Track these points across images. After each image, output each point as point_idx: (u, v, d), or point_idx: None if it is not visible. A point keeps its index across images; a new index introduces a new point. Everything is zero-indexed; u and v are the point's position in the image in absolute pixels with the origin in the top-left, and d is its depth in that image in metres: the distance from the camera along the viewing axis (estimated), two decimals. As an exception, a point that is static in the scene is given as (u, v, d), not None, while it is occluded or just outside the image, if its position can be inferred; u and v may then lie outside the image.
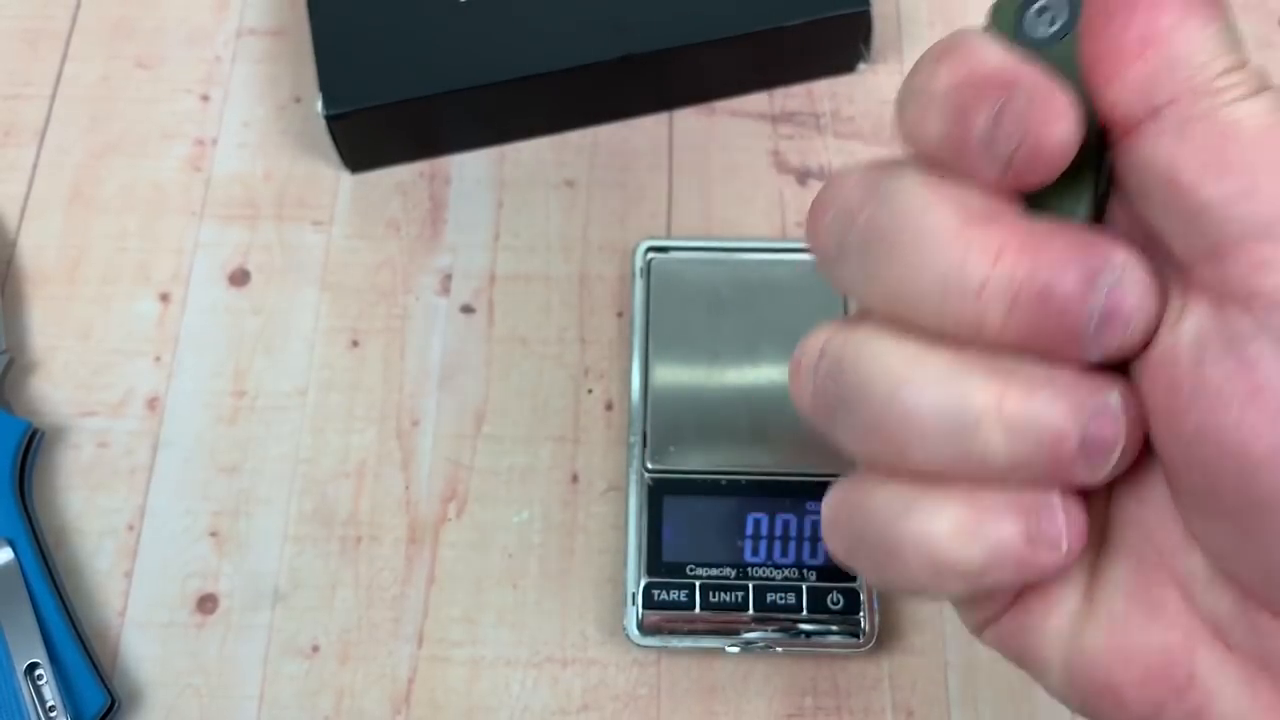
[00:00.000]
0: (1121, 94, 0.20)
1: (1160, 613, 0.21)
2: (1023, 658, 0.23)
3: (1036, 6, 0.22)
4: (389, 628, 0.37)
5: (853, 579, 0.35)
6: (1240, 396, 0.19)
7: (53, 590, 0.36)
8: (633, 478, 0.37)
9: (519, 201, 0.43)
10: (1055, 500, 0.21)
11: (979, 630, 0.24)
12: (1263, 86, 0.20)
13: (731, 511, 0.36)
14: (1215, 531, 0.20)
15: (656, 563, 0.36)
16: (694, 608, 0.35)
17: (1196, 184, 0.19)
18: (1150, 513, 0.22)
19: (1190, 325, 0.20)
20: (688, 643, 0.35)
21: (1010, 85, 0.20)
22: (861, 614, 0.35)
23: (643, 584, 0.36)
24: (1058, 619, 0.22)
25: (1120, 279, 0.20)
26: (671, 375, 0.38)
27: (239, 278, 0.42)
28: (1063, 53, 0.21)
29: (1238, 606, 0.20)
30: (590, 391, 0.40)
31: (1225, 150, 0.19)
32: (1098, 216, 0.22)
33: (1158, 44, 0.20)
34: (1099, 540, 0.22)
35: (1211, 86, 0.20)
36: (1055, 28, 0.22)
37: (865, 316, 0.22)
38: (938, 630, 0.36)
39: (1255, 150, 0.19)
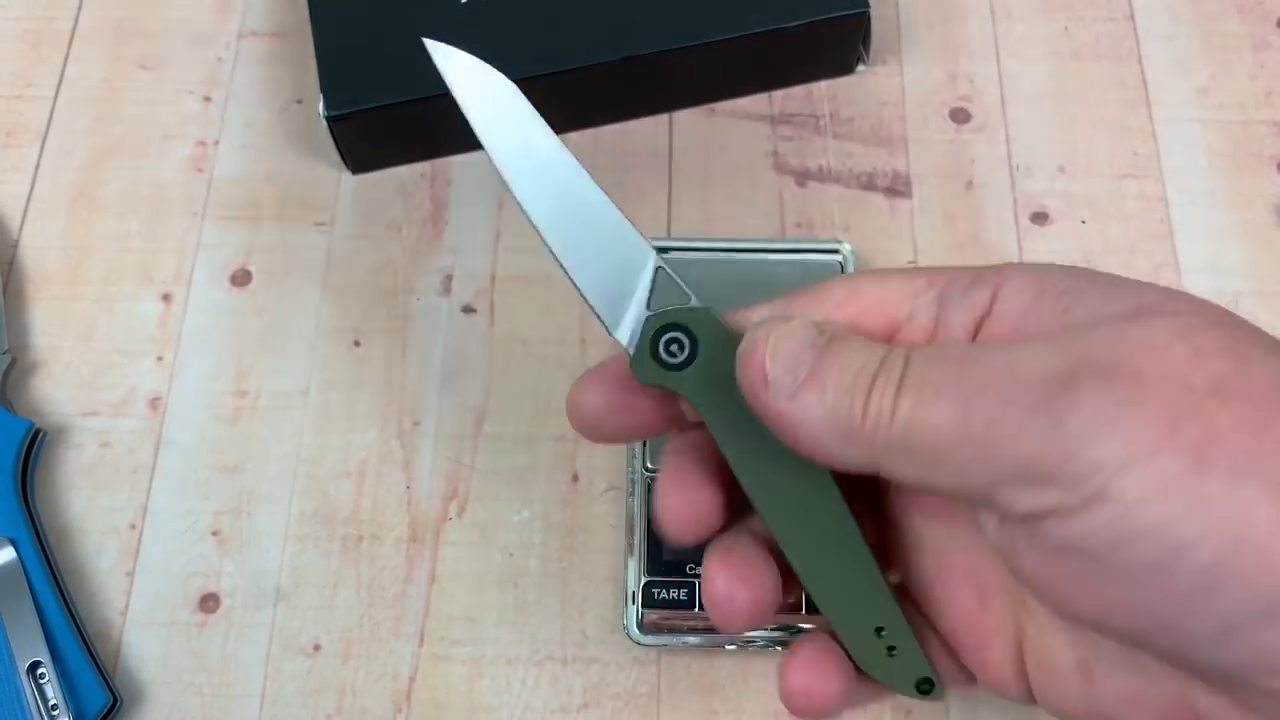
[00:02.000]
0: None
1: (1151, 677, 0.24)
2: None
3: (665, 340, 0.27)
4: (390, 626, 0.37)
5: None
6: (1056, 582, 0.23)
7: (55, 589, 0.36)
8: (633, 478, 0.37)
9: (520, 202, 0.43)
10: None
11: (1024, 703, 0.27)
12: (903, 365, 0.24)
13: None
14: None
15: (656, 562, 0.36)
16: (694, 607, 0.35)
17: (927, 484, 0.24)
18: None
19: (1038, 557, 0.23)
20: (687, 641, 0.35)
21: None
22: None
23: (642, 583, 0.36)
24: (1070, 694, 0.26)
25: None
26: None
27: (241, 278, 0.42)
28: (696, 375, 0.26)
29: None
30: (590, 391, 0.40)
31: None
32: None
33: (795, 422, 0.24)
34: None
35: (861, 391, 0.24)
36: (680, 358, 0.27)
37: None
38: (937, 629, 0.36)
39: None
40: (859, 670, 0.27)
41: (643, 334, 0.27)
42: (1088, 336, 0.22)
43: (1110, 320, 0.23)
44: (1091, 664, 0.25)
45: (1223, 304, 0.40)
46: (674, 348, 0.26)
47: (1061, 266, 0.25)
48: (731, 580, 0.26)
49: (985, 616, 0.26)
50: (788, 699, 0.27)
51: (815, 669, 0.26)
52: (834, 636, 0.27)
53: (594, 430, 0.28)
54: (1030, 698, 0.27)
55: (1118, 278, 0.24)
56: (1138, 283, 0.24)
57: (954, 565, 0.27)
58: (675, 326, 0.27)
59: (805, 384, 0.24)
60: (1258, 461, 0.20)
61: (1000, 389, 0.22)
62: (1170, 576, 0.21)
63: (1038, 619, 0.26)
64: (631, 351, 0.27)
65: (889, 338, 0.26)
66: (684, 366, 0.26)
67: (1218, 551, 0.20)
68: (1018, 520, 0.22)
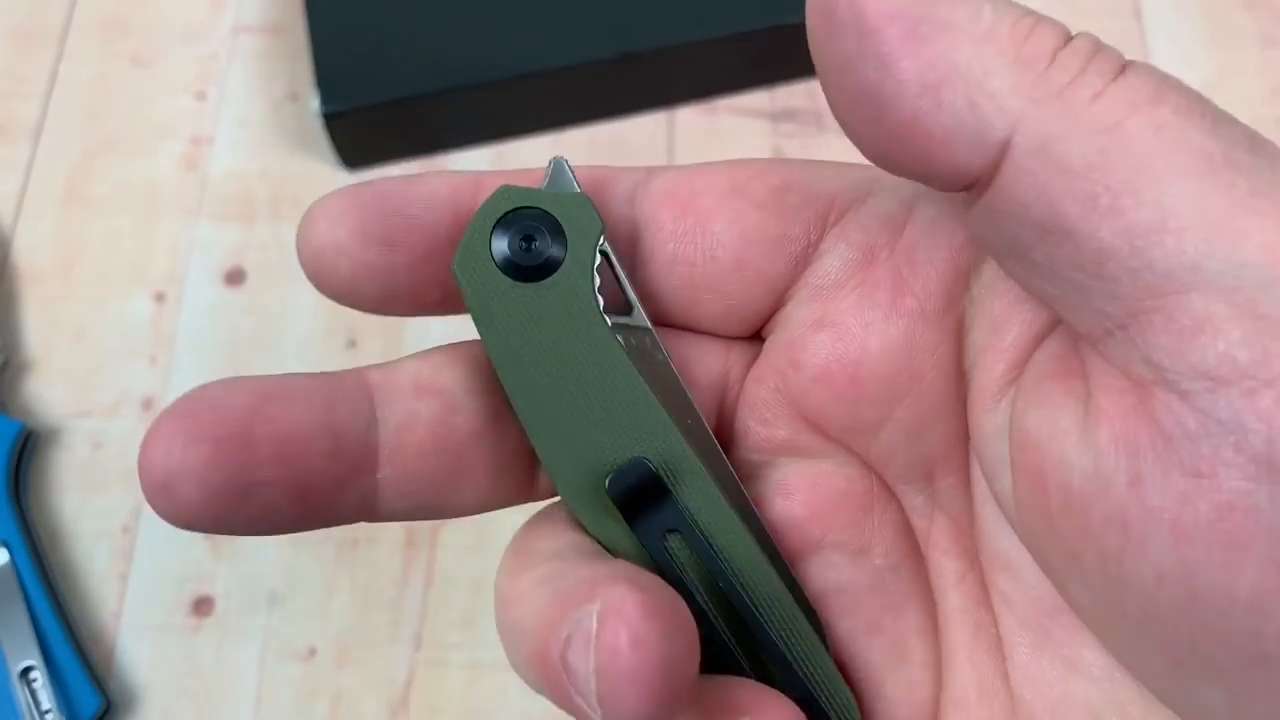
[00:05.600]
0: (946, 156, 0.15)
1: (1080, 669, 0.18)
2: None
3: (513, 237, 0.18)
4: (386, 631, 0.36)
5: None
6: (1206, 525, 0.14)
7: (48, 592, 0.36)
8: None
9: (517, 200, 0.43)
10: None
11: None
12: (1120, 62, 0.15)
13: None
14: (1202, 692, 0.16)
15: (656, 565, 0.35)
16: (694, 610, 0.35)
17: (1087, 227, 0.14)
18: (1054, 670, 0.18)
19: (1112, 430, 0.15)
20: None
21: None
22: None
23: (642, 586, 0.35)
24: None
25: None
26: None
27: (235, 277, 0.41)
28: (564, 283, 0.18)
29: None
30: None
31: (1114, 170, 0.14)
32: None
33: (944, 61, 0.15)
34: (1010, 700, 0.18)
35: (1055, 84, 0.14)
36: (542, 256, 0.18)
37: None
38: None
39: (1153, 161, 0.14)
40: None
41: (486, 211, 0.18)
42: None
43: None
44: None
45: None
46: (527, 244, 0.18)
47: None
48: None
49: (910, 698, 0.19)
50: None
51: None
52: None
53: (325, 274, 0.18)
54: None
55: None
56: None
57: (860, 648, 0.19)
58: (532, 217, 0.18)
59: (952, 12, 0.15)
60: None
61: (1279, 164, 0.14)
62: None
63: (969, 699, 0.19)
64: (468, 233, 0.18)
65: None
66: (537, 276, 0.18)
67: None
68: (1187, 375, 0.14)
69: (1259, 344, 0.13)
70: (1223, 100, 0.43)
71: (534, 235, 0.18)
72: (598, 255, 0.18)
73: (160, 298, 0.41)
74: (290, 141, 0.44)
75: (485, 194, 0.18)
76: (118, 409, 0.39)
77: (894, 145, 0.15)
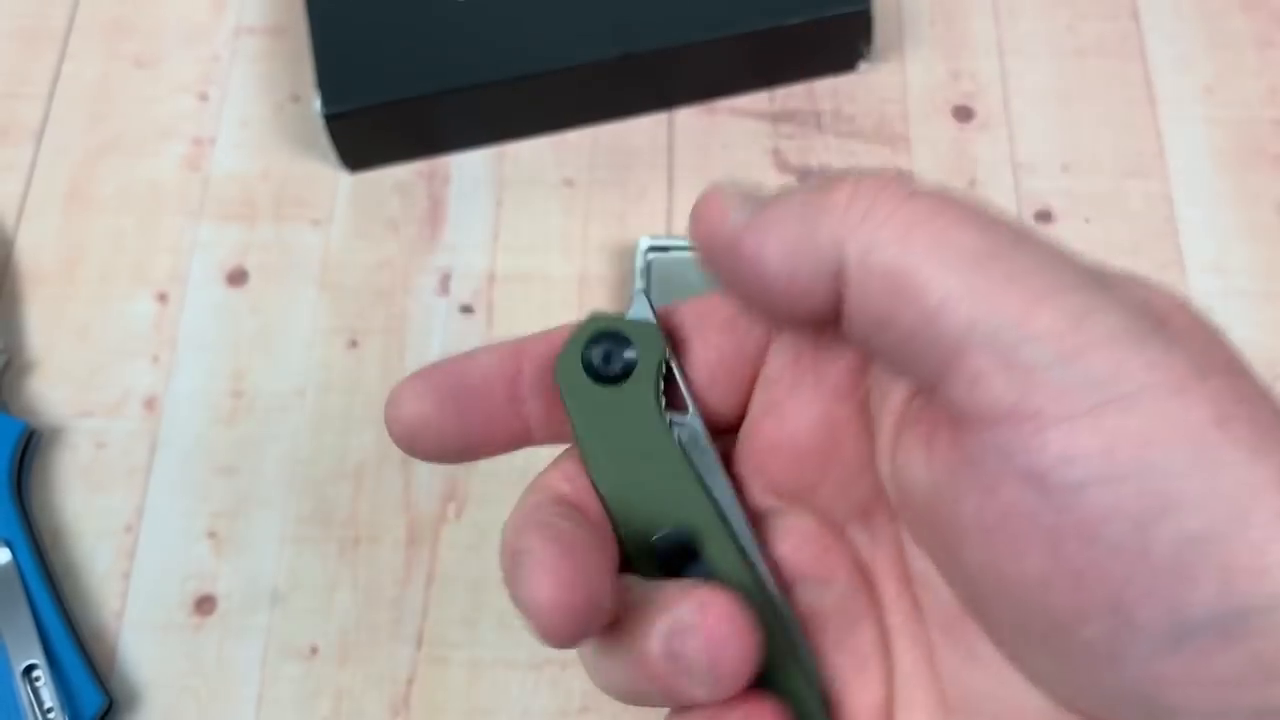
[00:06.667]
0: (801, 300, 0.20)
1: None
2: None
3: (598, 351, 0.24)
4: (388, 629, 0.36)
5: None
6: (994, 527, 0.18)
7: (50, 591, 0.36)
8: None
9: (518, 201, 0.43)
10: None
11: None
12: (908, 189, 0.19)
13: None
14: (1035, 661, 0.20)
15: (656, 564, 0.36)
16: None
17: (898, 314, 0.19)
18: (979, 677, 0.21)
19: (940, 461, 0.19)
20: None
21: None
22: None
23: (643, 585, 0.36)
24: None
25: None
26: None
27: (237, 277, 0.42)
28: (635, 388, 0.23)
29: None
30: (590, 392, 0.39)
31: (908, 269, 0.19)
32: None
33: (779, 239, 0.20)
34: (945, 705, 0.22)
35: (859, 217, 0.19)
36: (620, 366, 0.23)
37: None
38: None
39: (934, 259, 0.19)
40: None
41: (580, 331, 0.24)
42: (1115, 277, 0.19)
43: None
44: None
45: (1227, 307, 0.39)
46: (608, 356, 0.23)
47: None
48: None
49: (865, 699, 0.22)
50: None
51: None
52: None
53: (418, 440, 0.23)
54: None
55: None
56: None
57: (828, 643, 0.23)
58: (613, 337, 0.23)
59: (770, 203, 0.20)
60: (1276, 443, 0.17)
61: (1036, 250, 0.19)
62: (1147, 539, 0.17)
63: (914, 700, 0.22)
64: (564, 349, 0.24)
65: None
66: (616, 381, 0.23)
67: (1213, 523, 0.17)
68: (969, 421, 0.19)
69: (1017, 388, 0.18)
70: (1221, 101, 0.44)
71: (613, 351, 0.24)
72: (662, 368, 0.23)
73: (162, 298, 0.41)
74: (292, 142, 0.44)
75: (526, 361, 0.24)
76: (120, 409, 0.40)
77: (767, 299, 0.21)
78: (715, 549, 0.23)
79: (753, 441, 0.24)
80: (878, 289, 0.19)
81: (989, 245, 0.19)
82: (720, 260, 0.21)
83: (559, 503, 0.23)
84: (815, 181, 0.20)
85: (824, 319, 0.20)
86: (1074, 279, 0.18)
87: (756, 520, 0.24)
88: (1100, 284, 0.19)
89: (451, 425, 0.23)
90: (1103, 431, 0.17)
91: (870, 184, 0.19)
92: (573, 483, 0.24)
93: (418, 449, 0.23)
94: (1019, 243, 0.19)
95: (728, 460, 0.24)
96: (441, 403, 0.23)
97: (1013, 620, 0.19)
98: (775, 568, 0.23)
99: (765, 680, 0.21)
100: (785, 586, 0.23)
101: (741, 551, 0.23)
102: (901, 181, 0.20)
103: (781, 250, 0.20)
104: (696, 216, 0.21)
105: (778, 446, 0.23)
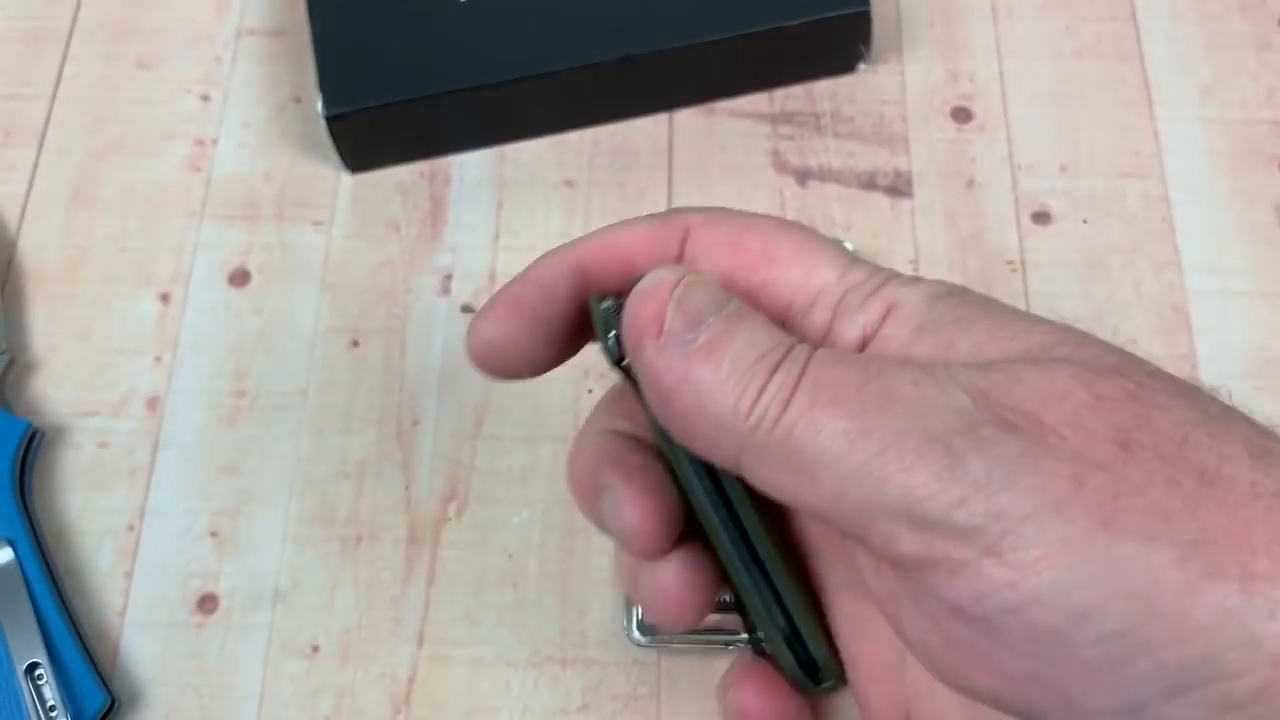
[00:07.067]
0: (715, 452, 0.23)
1: None
2: None
3: (611, 336, 0.25)
4: (389, 628, 0.37)
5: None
6: (942, 650, 0.21)
7: (53, 590, 0.36)
8: (633, 478, 0.37)
9: (519, 201, 0.43)
10: None
11: None
12: (797, 375, 0.21)
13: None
14: None
15: (656, 563, 0.36)
16: (694, 608, 0.35)
17: (811, 503, 0.21)
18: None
19: (887, 588, 0.22)
20: (688, 643, 0.35)
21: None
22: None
23: (643, 584, 0.36)
24: None
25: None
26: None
27: (239, 278, 0.42)
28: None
29: None
30: (590, 391, 0.40)
31: (802, 465, 0.21)
32: None
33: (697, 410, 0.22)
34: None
35: (750, 426, 0.21)
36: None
37: None
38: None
39: (818, 452, 0.21)
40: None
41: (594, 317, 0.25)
42: (988, 376, 0.21)
43: (1004, 362, 0.21)
44: None
45: (1225, 307, 0.39)
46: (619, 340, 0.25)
47: (953, 291, 0.24)
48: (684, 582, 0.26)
49: (875, 660, 0.25)
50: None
51: (766, 689, 0.26)
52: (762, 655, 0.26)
53: (499, 359, 0.26)
54: None
55: (1006, 311, 0.23)
56: (1027, 318, 0.23)
57: (842, 603, 0.26)
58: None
59: (704, 349, 0.22)
60: (1168, 522, 0.19)
61: (901, 412, 0.20)
62: (1072, 647, 0.19)
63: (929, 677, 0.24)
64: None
65: (782, 321, 0.24)
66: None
67: (1126, 619, 0.18)
68: (898, 567, 0.21)
69: (922, 543, 0.20)
70: (1219, 103, 0.44)
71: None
72: None
73: (165, 298, 0.41)
74: (294, 143, 0.44)
75: (582, 260, 0.25)
76: (123, 408, 0.40)
77: (675, 432, 0.23)
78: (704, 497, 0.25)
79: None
80: (781, 482, 0.22)
81: (860, 426, 0.20)
82: (641, 374, 0.23)
83: (623, 438, 0.26)
84: (745, 354, 0.22)
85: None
86: (940, 423, 0.20)
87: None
88: (963, 423, 0.20)
89: (526, 337, 0.25)
90: (1005, 566, 0.19)
91: (756, 383, 0.21)
92: (631, 419, 0.26)
93: (505, 369, 0.26)
94: (887, 397, 0.21)
95: None
96: (516, 319, 0.25)
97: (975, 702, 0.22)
98: (785, 531, 0.26)
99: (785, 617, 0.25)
100: (799, 551, 0.26)
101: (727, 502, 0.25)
102: (790, 366, 0.21)
103: (694, 413, 0.22)
104: (630, 312, 0.23)
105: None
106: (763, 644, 0.26)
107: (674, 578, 0.25)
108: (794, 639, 0.25)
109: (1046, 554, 0.19)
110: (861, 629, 0.25)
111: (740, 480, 0.23)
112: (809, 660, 0.25)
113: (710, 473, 0.25)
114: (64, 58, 0.46)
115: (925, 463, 0.20)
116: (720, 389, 0.21)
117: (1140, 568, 0.18)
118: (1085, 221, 0.42)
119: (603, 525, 0.26)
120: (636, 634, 0.35)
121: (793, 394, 0.21)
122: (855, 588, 0.25)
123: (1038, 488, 0.19)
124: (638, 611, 0.35)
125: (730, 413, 0.21)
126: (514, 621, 0.37)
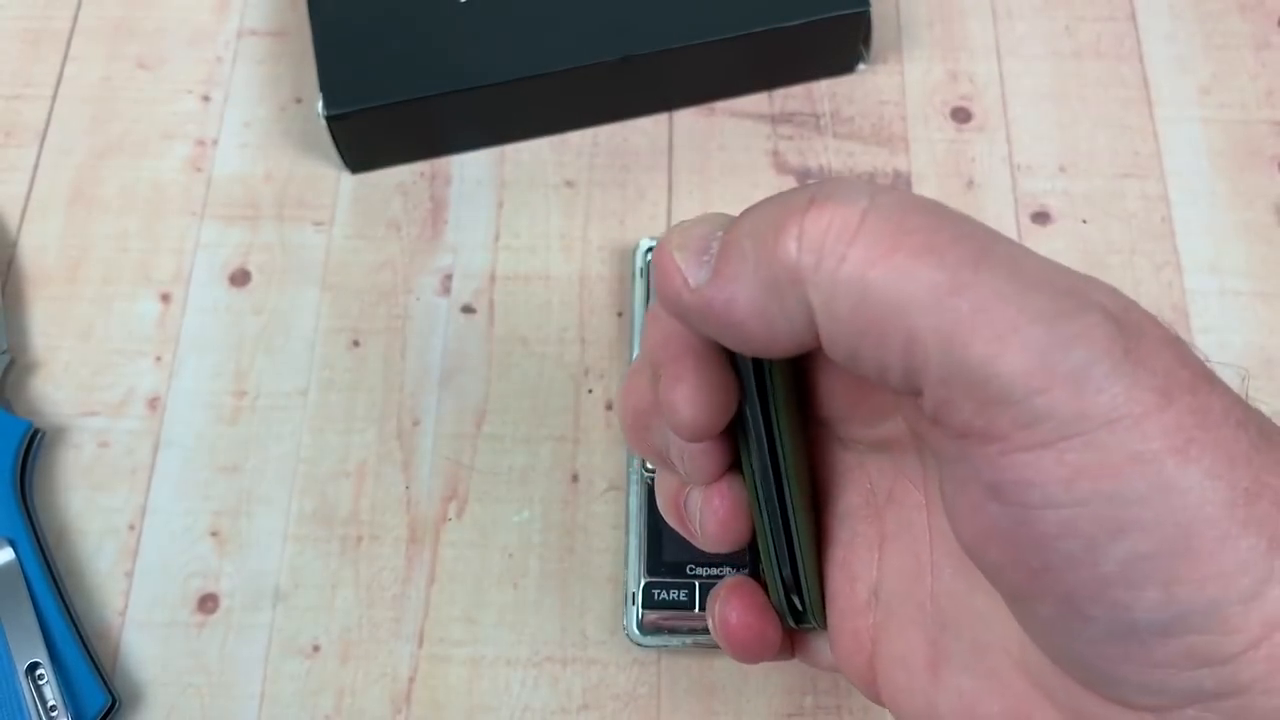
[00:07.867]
0: (771, 340, 0.22)
1: (997, 681, 0.23)
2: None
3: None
4: (389, 627, 0.37)
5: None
6: (964, 516, 0.21)
7: (53, 590, 0.36)
8: (633, 478, 0.37)
9: (519, 201, 0.43)
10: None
11: (872, 698, 0.27)
12: (855, 223, 0.21)
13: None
14: (1030, 619, 0.22)
15: (656, 562, 0.36)
16: (694, 607, 0.35)
17: (871, 357, 0.21)
18: (979, 599, 0.24)
19: (954, 480, 0.22)
20: (688, 642, 0.35)
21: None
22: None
23: (642, 583, 0.36)
24: (914, 689, 0.25)
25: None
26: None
27: (240, 278, 0.42)
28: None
29: (1055, 671, 0.22)
30: (590, 391, 0.40)
31: (872, 314, 0.20)
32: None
33: (744, 292, 0.22)
34: (938, 620, 0.25)
35: (811, 264, 0.21)
36: None
37: None
38: (937, 630, 0.36)
39: (896, 300, 0.20)
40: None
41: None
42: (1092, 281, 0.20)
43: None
44: (940, 663, 0.24)
45: (1224, 307, 0.40)
46: None
47: None
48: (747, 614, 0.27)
49: (851, 597, 0.26)
50: (728, 636, 0.27)
51: (750, 607, 0.27)
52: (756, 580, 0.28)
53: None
54: (874, 689, 0.26)
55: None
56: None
57: (840, 530, 0.27)
58: None
59: (721, 254, 0.22)
60: (1233, 464, 0.18)
61: (1003, 275, 0.19)
62: (1098, 555, 0.19)
63: (896, 612, 0.25)
64: None
65: None
66: None
67: (1161, 545, 0.18)
68: (942, 428, 0.20)
69: (984, 416, 0.19)
70: (1218, 103, 0.44)
71: None
72: None
73: (165, 298, 0.41)
74: (295, 144, 0.44)
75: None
76: (123, 408, 0.40)
77: (748, 347, 0.22)
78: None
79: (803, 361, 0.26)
80: (846, 333, 0.20)
81: (949, 277, 0.19)
82: (694, 320, 0.22)
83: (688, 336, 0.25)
84: (762, 218, 0.21)
85: (807, 349, 0.22)
86: (1042, 305, 0.19)
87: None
88: (1071, 304, 0.19)
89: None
90: (1065, 465, 0.19)
91: (816, 222, 0.20)
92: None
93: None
94: (982, 264, 0.19)
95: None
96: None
97: (1010, 582, 0.21)
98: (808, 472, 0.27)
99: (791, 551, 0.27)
100: (825, 471, 0.27)
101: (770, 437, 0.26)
102: (850, 206, 0.20)
103: (750, 309, 0.21)
104: (657, 283, 0.23)
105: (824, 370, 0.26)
106: (762, 572, 0.28)
107: (723, 500, 0.26)
108: (793, 588, 0.27)
109: (1114, 464, 0.18)
110: (848, 562, 0.26)
111: (787, 411, 0.25)
112: (799, 609, 0.27)
113: (762, 396, 0.25)
114: (65, 58, 0.46)
115: (1021, 338, 0.18)
116: (764, 253, 0.21)
117: (1195, 501, 0.18)
118: (1084, 221, 0.42)
119: (650, 429, 0.27)
120: (636, 633, 0.35)
121: (858, 233, 0.20)
122: (859, 518, 0.26)
123: (1130, 397, 0.18)
124: (637, 611, 0.36)
125: (781, 264, 0.20)
126: (514, 621, 0.37)
